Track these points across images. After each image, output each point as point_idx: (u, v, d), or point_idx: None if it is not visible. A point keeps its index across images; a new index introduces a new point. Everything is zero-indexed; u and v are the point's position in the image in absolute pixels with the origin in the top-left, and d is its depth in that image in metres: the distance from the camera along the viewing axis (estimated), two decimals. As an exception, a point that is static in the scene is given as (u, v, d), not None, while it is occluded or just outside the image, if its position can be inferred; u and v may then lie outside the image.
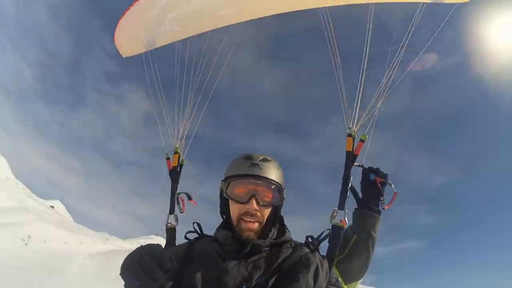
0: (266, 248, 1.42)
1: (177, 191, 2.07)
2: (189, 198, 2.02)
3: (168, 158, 2.19)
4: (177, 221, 1.96)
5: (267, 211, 1.44)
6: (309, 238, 1.52)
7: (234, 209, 1.43)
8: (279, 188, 1.46)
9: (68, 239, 13.82)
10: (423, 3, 2.12)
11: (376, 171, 1.95)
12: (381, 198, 1.91)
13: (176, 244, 1.80)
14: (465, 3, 2.24)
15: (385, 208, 1.91)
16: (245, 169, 1.43)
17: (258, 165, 1.43)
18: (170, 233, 1.92)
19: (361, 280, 1.91)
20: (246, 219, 1.39)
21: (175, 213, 2.00)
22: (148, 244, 1.13)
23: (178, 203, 2.03)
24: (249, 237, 1.38)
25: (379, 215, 1.91)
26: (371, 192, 1.94)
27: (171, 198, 2.05)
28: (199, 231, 1.61)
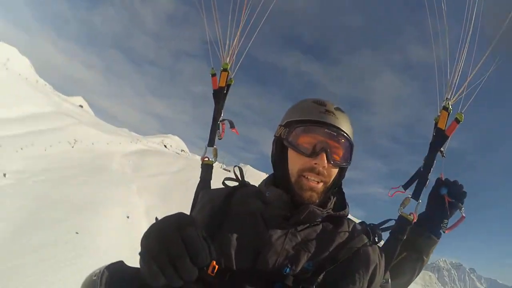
0: (319, 220, 1.15)
1: (221, 117, 1.75)
2: (232, 126, 1.75)
3: (213, 75, 1.78)
4: (216, 156, 1.68)
5: (334, 172, 1.16)
6: (370, 226, 1.24)
7: (296, 163, 1.14)
8: (351, 147, 1.18)
9: (109, 140, 14.85)
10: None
11: (452, 187, 1.56)
12: (445, 221, 1.56)
13: (211, 187, 1.56)
14: None
15: (446, 232, 1.59)
16: (317, 115, 1.15)
17: (334, 114, 1.15)
18: (206, 170, 1.64)
19: None
20: (309, 177, 1.12)
21: (215, 146, 1.70)
22: (181, 220, 0.81)
23: (218, 129, 1.74)
24: (311, 199, 1.11)
25: (438, 238, 1.59)
26: (436, 208, 1.57)
27: (212, 126, 1.72)
28: (240, 178, 1.36)
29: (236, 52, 1.78)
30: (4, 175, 7.23)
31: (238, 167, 1.41)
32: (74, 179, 9.54)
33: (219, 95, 1.75)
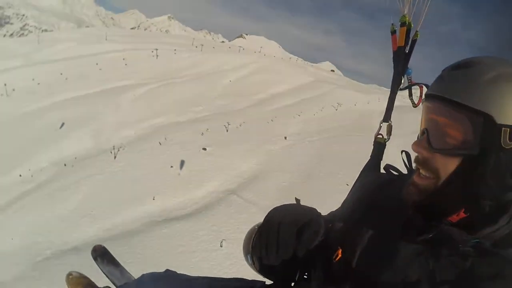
0: (469, 250, 0.70)
1: (402, 85, 1.49)
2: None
3: (393, 33, 1.49)
4: (390, 134, 1.48)
5: (447, 164, 0.74)
6: None
7: None
8: (474, 121, 0.69)
9: (368, 100, 15.24)
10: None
11: None
12: None
13: (380, 167, 1.37)
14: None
15: None
16: (430, 87, 0.86)
17: (443, 78, 0.78)
18: (377, 148, 1.47)
19: None
20: (420, 170, 0.83)
21: (390, 121, 1.49)
22: (286, 215, 0.92)
23: (411, 95, 1.50)
24: (408, 196, 0.83)
25: None
26: None
27: (390, 96, 1.49)
28: (407, 164, 1.10)
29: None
30: (285, 138, 8.78)
31: (406, 152, 1.11)
32: (341, 138, 10.42)
33: (398, 57, 1.47)
